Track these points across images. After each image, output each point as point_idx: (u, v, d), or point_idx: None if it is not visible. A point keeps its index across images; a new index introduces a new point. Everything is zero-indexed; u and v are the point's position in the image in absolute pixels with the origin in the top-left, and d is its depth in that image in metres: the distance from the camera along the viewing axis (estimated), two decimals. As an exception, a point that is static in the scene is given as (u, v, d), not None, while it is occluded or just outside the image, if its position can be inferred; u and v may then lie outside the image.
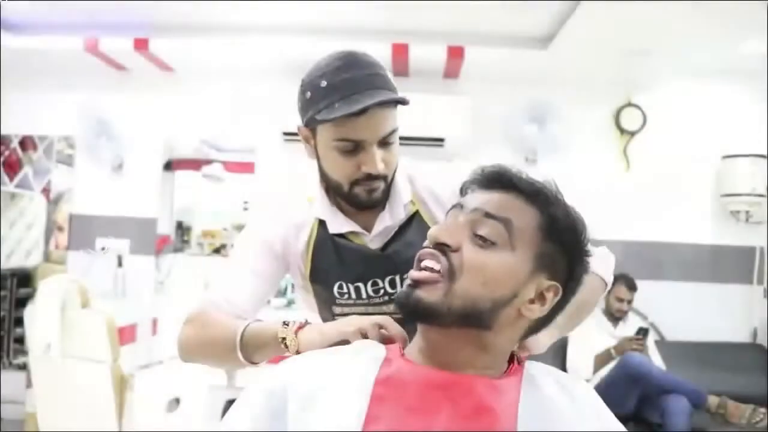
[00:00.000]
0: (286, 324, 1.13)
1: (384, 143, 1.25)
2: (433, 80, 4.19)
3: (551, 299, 0.91)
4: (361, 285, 1.36)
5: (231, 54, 3.94)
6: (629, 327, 3.80)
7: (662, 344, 3.93)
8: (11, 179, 4.44)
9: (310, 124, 1.27)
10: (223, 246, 5.13)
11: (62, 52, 3.96)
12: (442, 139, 3.88)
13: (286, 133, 3.92)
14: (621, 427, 0.92)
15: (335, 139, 1.23)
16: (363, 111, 1.17)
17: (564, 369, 3.65)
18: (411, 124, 3.86)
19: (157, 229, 4.32)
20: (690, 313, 4.08)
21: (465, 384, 0.86)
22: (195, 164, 4.76)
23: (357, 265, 1.36)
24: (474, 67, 3.98)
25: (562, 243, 0.92)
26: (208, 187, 4.96)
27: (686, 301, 4.10)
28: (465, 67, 4.00)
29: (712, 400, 3.33)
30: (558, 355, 3.82)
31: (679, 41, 3.60)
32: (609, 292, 3.85)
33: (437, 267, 0.88)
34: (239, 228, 1.55)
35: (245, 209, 4.99)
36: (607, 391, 3.29)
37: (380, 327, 1.03)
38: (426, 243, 0.93)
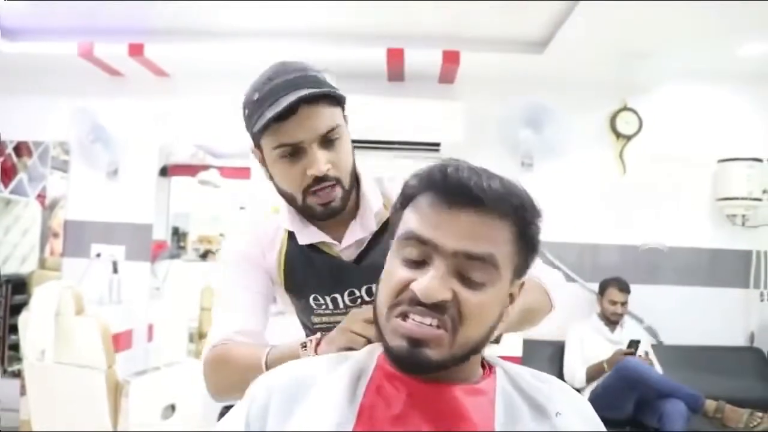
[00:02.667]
0: (305, 346, 1.12)
1: (326, 142, 1.21)
2: (428, 85, 4.19)
3: (517, 294, 0.91)
4: (337, 296, 1.34)
5: (226, 59, 3.93)
6: (626, 331, 3.80)
7: (659, 348, 3.92)
8: (6, 185, 4.42)
9: (256, 141, 1.26)
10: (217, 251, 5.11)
11: (57, 58, 3.95)
12: (437, 144, 3.87)
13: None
14: (587, 404, 0.93)
15: (274, 148, 1.21)
16: (291, 111, 1.16)
17: (561, 376, 3.64)
18: (406, 129, 3.87)
19: (153, 235, 4.31)
20: (687, 317, 4.08)
21: (451, 395, 0.86)
22: (191, 170, 4.74)
23: (331, 277, 1.33)
24: (470, 71, 3.98)
25: (531, 247, 0.89)
26: (204, 193, 4.95)
27: (683, 305, 4.10)
28: (461, 72, 3.99)
29: (710, 405, 3.32)
30: (554, 362, 3.82)
31: (675, 45, 3.60)
32: (602, 295, 3.89)
33: (439, 323, 0.82)
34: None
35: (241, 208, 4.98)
36: (604, 395, 3.29)
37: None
38: (404, 294, 0.84)
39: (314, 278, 1.34)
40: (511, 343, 3.56)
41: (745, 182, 3.94)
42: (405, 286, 0.84)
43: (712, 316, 4.10)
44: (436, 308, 0.82)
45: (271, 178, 1.30)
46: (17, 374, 4.09)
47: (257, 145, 1.27)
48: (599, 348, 3.69)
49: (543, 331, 3.85)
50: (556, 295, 1.36)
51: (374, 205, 1.32)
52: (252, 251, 1.36)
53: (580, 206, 4.13)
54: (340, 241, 1.32)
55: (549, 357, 3.87)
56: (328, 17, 3.56)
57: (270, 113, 1.16)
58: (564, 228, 4.07)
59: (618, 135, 4.18)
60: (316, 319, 1.38)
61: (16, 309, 3.97)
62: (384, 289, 0.87)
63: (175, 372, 3.39)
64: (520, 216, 0.85)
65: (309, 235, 1.32)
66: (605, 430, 0.92)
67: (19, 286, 4.40)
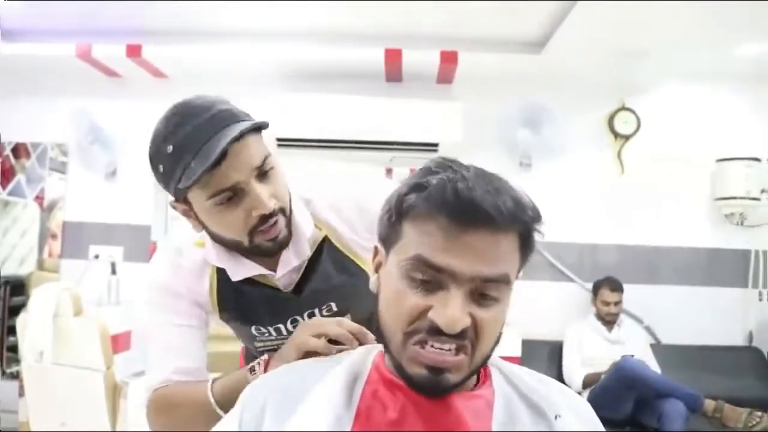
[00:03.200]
0: (253, 370, 1.10)
1: (262, 175, 1.12)
2: (426, 85, 4.19)
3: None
4: (280, 326, 1.31)
5: (224, 60, 3.93)
6: (624, 331, 3.80)
7: (658, 348, 3.92)
8: (4, 187, 4.42)
9: (180, 196, 1.14)
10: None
11: (54, 59, 3.94)
12: (436, 145, 3.87)
13: (279, 139, 3.91)
14: (587, 405, 0.93)
15: (209, 197, 1.10)
16: (222, 156, 1.05)
17: (559, 376, 3.64)
18: (405, 130, 3.87)
19: (151, 236, 4.30)
20: (685, 317, 4.08)
21: (449, 400, 0.85)
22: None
23: (271, 309, 1.29)
24: (468, 71, 3.97)
25: (530, 250, 0.87)
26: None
27: (682, 304, 4.09)
28: (459, 72, 3.99)
29: (709, 404, 3.32)
30: (553, 363, 3.82)
31: (674, 45, 3.60)
32: (595, 297, 3.89)
33: (456, 348, 0.80)
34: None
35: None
36: (603, 395, 3.29)
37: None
38: (422, 323, 0.81)
39: (253, 312, 1.29)
40: (510, 343, 3.56)
41: (743, 182, 3.94)
42: (421, 314, 0.80)
43: (711, 316, 4.10)
44: (457, 336, 0.79)
45: (203, 228, 1.18)
46: (16, 376, 4.08)
47: (180, 200, 1.15)
48: (598, 348, 3.70)
49: (542, 331, 3.90)
50: None
51: (306, 230, 1.24)
52: (176, 284, 1.27)
53: (579, 206, 4.13)
54: (274, 270, 1.24)
55: (548, 357, 3.87)
56: (326, 18, 3.56)
57: (200, 165, 1.05)
58: (562, 228, 4.07)
59: (616, 135, 4.18)
60: (259, 344, 1.35)
61: (15, 310, 3.96)
62: (394, 314, 0.83)
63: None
64: (527, 228, 0.83)
65: (242, 269, 1.23)
66: (605, 431, 0.92)
67: (18, 287, 4.40)
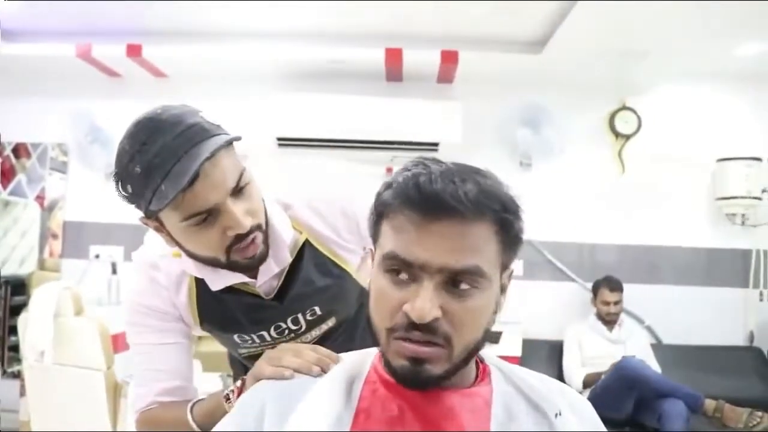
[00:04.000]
0: (228, 398, 1.09)
1: (237, 192, 1.08)
2: (427, 85, 4.19)
3: (508, 283, 0.90)
4: (264, 332, 1.29)
5: (224, 60, 3.93)
6: (624, 331, 3.80)
7: (658, 348, 3.92)
8: (5, 187, 4.42)
9: (151, 216, 1.09)
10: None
11: (54, 59, 3.94)
12: (436, 144, 3.87)
13: (280, 139, 3.92)
14: (588, 404, 0.94)
15: (183, 219, 1.05)
16: (195, 177, 1.00)
17: (560, 376, 3.64)
18: (405, 130, 3.87)
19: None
20: (686, 317, 4.08)
21: (446, 399, 0.86)
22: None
23: (253, 317, 1.27)
24: (468, 71, 3.98)
25: (513, 240, 0.87)
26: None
27: (682, 304, 4.10)
28: (459, 72, 3.99)
29: (709, 404, 3.32)
30: (553, 362, 3.82)
31: (674, 44, 3.60)
32: (595, 296, 3.89)
33: (434, 340, 0.81)
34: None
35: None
36: (604, 395, 3.29)
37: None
38: (399, 319, 0.82)
39: (234, 321, 1.27)
40: (510, 343, 3.56)
41: (744, 181, 3.93)
42: (398, 308, 0.82)
43: (712, 316, 4.10)
44: (429, 328, 0.80)
45: (177, 245, 1.14)
46: (17, 375, 4.09)
47: (150, 217, 1.10)
48: (598, 348, 3.70)
49: (542, 330, 3.90)
50: None
51: (286, 237, 1.21)
52: (154, 302, 1.24)
53: (579, 206, 4.13)
54: (255, 277, 1.22)
55: (548, 357, 3.87)
56: (327, 17, 3.56)
57: (171, 188, 1.00)
58: (563, 227, 4.07)
59: (617, 134, 4.18)
60: (243, 351, 1.34)
61: (16, 310, 3.96)
62: (378, 310, 0.85)
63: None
64: (500, 216, 0.83)
65: (221, 279, 1.20)
66: (605, 431, 0.92)
67: (19, 287, 4.40)
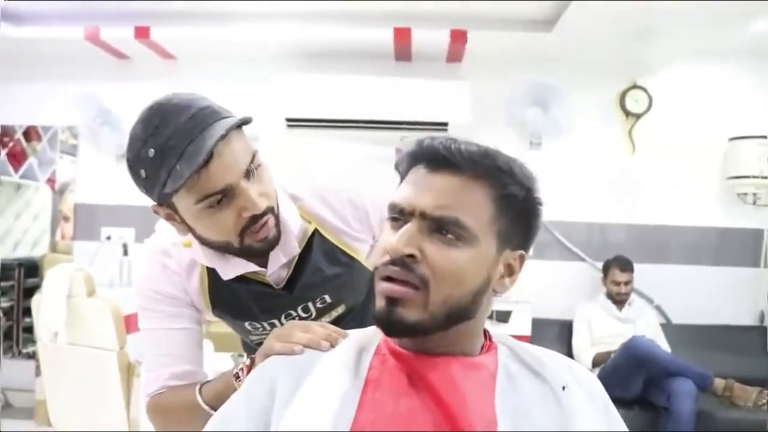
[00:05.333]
0: (238, 376, 1.10)
1: (250, 173, 1.08)
2: (436, 65, 4.17)
3: (519, 268, 0.91)
4: (275, 321, 1.30)
5: (232, 41, 3.92)
6: (634, 310, 3.80)
7: (668, 327, 3.93)
8: (16, 170, 4.45)
9: (164, 201, 1.08)
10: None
11: (63, 42, 3.94)
12: (445, 124, 3.86)
13: (288, 120, 3.91)
14: (596, 380, 0.95)
15: (198, 201, 1.05)
16: (209, 157, 1.01)
17: (569, 356, 3.65)
18: (414, 109, 3.85)
19: (159, 221, 4.32)
20: (696, 297, 4.07)
21: (448, 367, 0.87)
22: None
23: (264, 306, 1.28)
24: (477, 50, 3.95)
25: (518, 212, 0.88)
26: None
27: (692, 284, 4.09)
28: (468, 51, 3.97)
29: (719, 383, 3.32)
30: (563, 341, 3.83)
31: (686, 22, 3.55)
32: (605, 277, 3.88)
33: (409, 279, 0.83)
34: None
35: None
36: (613, 374, 3.30)
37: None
38: (384, 258, 0.85)
39: (246, 309, 1.29)
40: (520, 322, 3.57)
41: (756, 160, 3.90)
42: (385, 251, 0.86)
43: (722, 295, 4.10)
44: (404, 266, 0.83)
45: (189, 231, 1.14)
46: (32, 356, 4.14)
47: (163, 204, 1.10)
48: (608, 327, 3.70)
49: (552, 310, 3.90)
50: None
51: (294, 227, 1.22)
52: (165, 288, 1.24)
53: (589, 185, 4.12)
54: (265, 267, 1.22)
55: (557, 336, 3.88)
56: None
57: (186, 167, 1.00)
58: (572, 207, 4.06)
59: (627, 114, 4.15)
60: (254, 338, 1.35)
61: (29, 292, 4.01)
62: (376, 260, 0.89)
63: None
64: (494, 177, 0.85)
65: (232, 268, 1.20)
66: (613, 406, 0.93)
67: (32, 269, 4.45)
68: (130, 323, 3.08)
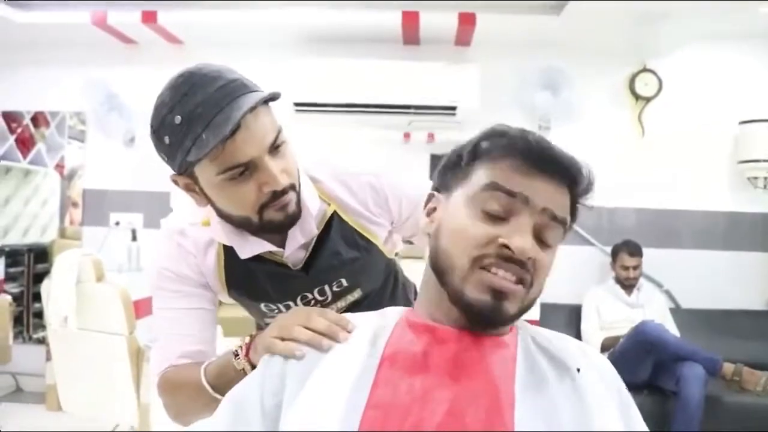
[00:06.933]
0: (237, 355, 1.09)
1: (274, 150, 1.08)
2: (444, 48, 4.14)
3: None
4: (290, 302, 1.30)
5: (239, 25, 3.90)
6: (643, 295, 3.79)
7: (677, 312, 3.92)
8: (25, 156, 4.46)
9: (186, 170, 1.08)
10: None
11: (70, 27, 3.93)
12: (453, 108, 3.84)
13: (297, 104, 3.90)
14: (607, 361, 0.95)
15: (220, 172, 1.05)
16: (236, 128, 1.01)
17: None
18: (422, 93, 3.83)
19: (171, 203, 4.33)
20: (705, 281, 4.05)
21: (475, 343, 0.87)
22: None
23: (280, 287, 1.28)
24: (486, 34, 3.92)
25: (575, 214, 0.93)
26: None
27: (702, 269, 4.07)
28: (476, 35, 3.94)
29: (727, 368, 3.31)
30: (571, 326, 3.83)
31: (696, 5, 3.51)
32: (614, 261, 3.87)
33: (525, 278, 0.85)
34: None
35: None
36: (622, 358, 3.29)
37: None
38: (497, 248, 0.84)
39: (262, 290, 1.28)
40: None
41: (766, 144, 3.86)
42: (490, 241, 0.84)
43: (731, 280, 4.08)
44: (522, 265, 0.84)
45: (209, 203, 1.14)
46: (42, 341, 4.17)
47: (185, 173, 1.10)
48: (617, 312, 3.70)
49: (561, 294, 3.90)
50: None
51: (313, 209, 1.21)
52: (181, 267, 1.25)
53: (598, 169, 4.00)
54: (282, 247, 1.23)
55: (566, 321, 3.87)
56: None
57: (212, 136, 1.00)
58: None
59: (637, 97, 4.11)
60: (269, 320, 1.33)
61: (39, 278, 4.03)
62: (462, 243, 0.86)
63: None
64: (582, 189, 0.90)
65: (250, 247, 1.20)
66: (626, 389, 0.93)
67: (41, 255, 4.47)
68: (139, 308, 3.10)
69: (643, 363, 3.32)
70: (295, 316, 0.99)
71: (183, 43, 4.22)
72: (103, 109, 4.18)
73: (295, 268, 1.27)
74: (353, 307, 1.35)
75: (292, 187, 1.12)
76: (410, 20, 3.73)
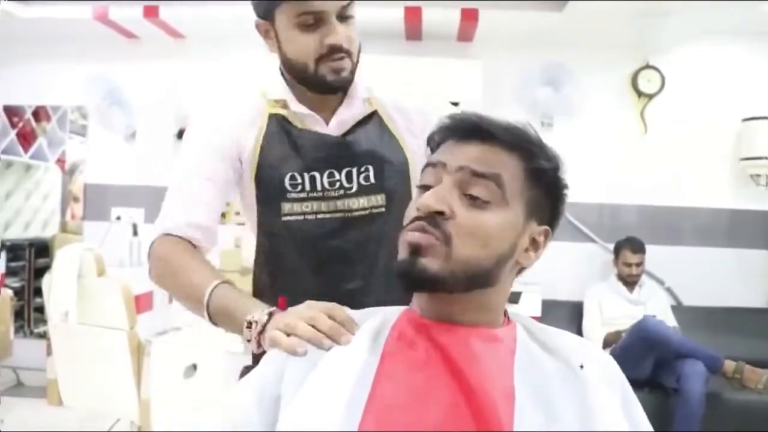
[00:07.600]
0: (250, 325, 1.04)
1: (343, 17, 1.26)
2: (446, 44, 4.13)
3: (543, 243, 0.93)
4: (316, 174, 1.30)
5: (242, 19, 3.87)
6: (645, 292, 3.79)
7: (679, 309, 3.91)
8: (26, 150, 4.46)
9: (268, 13, 1.28)
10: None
11: (72, 21, 3.92)
12: (456, 104, 3.80)
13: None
14: (609, 357, 0.95)
15: (296, 15, 1.23)
16: None
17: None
18: (424, 89, 3.81)
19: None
20: (707, 279, 4.05)
21: (471, 337, 0.87)
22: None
23: (314, 152, 1.32)
24: (488, 30, 3.91)
25: (546, 187, 0.92)
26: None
27: (703, 266, 4.06)
28: (479, 30, 3.93)
29: (729, 365, 3.31)
30: (573, 323, 3.83)
31: (699, 1, 3.50)
32: (617, 258, 3.86)
33: (435, 233, 0.85)
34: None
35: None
36: (623, 355, 3.29)
37: (329, 316, 0.93)
38: (415, 212, 0.88)
39: (294, 154, 1.32)
40: (530, 303, 3.56)
41: (769, 142, 3.86)
42: (412, 209, 0.90)
43: (733, 277, 4.07)
44: (432, 221, 0.85)
45: (278, 49, 1.31)
46: (43, 335, 4.18)
47: (266, 17, 1.30)
48: (618, 309, 3.70)
49: (562, 291, 3.89)
50: None
51: (362, 92, 1.38)
52: (226, 144, 1.33)
53: (600, 166, 4.08)
54: (327, 124, 1.35)
55: (568, 318, 3.87)
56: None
57: None
58: (583, 188, 4.03)
59: (639, 94, 4.10)
60: (286, 208, 1.31)
61: (40, 272, 4.03)
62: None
63: (196, 332, 3.43)
64: (525, 149, 0.89)
65: (300, 103, 1.34)
66: (629, 386, 0.92)
67: (42, 249, 4.47)
68: (140, 303, 3.10)
69: (645, 360, 3.32)
70: (304, 311, 0.99)
71: (185, 37, 4.21)
72: (104, 103, 4.18)
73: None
74: (373, 220, 1.33)
75: (349, 54, 1.28)
76: (413, 16, 3.72)
